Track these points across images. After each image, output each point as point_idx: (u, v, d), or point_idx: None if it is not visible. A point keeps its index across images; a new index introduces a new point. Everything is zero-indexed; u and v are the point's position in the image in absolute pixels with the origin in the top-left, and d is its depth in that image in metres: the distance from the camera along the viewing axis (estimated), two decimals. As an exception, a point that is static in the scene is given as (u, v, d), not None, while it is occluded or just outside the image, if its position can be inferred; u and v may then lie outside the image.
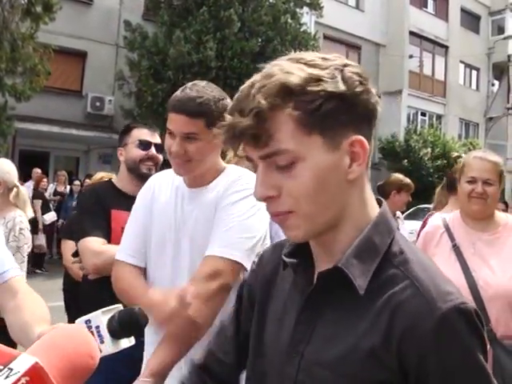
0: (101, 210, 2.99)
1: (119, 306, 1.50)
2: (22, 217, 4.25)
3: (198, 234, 2.11)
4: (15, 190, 4.30)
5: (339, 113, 1.06)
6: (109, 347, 1.41)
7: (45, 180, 14.10)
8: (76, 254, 4.72)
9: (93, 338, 1.26)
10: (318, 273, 1.17)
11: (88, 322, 1.42)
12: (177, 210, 2.19)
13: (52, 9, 14.62)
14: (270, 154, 1.07)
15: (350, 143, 1.08)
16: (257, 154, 1.09)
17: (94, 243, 2.87)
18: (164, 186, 2.31)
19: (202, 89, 2.11)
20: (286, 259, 1.24)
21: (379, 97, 1.15)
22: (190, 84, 2.16)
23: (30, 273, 12.01)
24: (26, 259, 4.24)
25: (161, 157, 3.16)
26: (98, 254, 2.80)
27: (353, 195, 1.13)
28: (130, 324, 1.45)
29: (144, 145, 3.12)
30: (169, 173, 2.34)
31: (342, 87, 1.05)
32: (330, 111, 1.04)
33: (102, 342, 1.40)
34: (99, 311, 1.44)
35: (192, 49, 16.90)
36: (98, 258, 2.80)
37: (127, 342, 1.47)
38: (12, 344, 1.91)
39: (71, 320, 4.19)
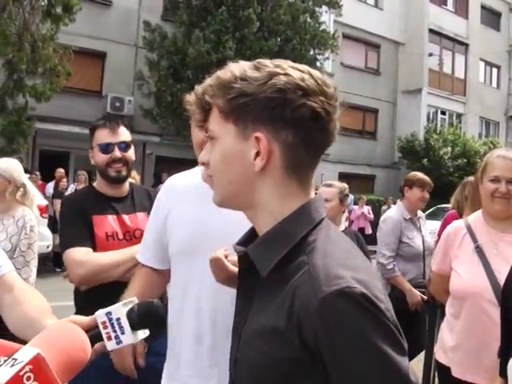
0: (81, 219, 2.90)
1: (135, 299, 1.54)
2: (30, 215, 4.34)
3: (231, 237, 2.02)
4: (22, 189, 4.39)
5: (249, 109, 1.22)
6: (129, 338, 1.46)
7: (64, 180, 14.18)
8: None
9: (85, 334, 1.33)
10: (238, 256, 1.35)
11: (109, 314, 1.46)
12: (204, 214, 2.09)
13: (72, 10, 14.75)
14: (206, 129, 1.34)
15: (255, 138, 1.23)
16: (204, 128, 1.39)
17: (77, 254, 2.80)
18: (186, 189, 2.24)
19: None
20: (236, 247, 1.37)
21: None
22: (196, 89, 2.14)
23: (51, 271, 12.14)
24: (36, 256, 4.32)
25: (130, 153, 3.03)
26: (82, 264, 2.75)
27: (262, 185, 1.27)
28: (149, 316, 1.50)
29: (105, 148, 2.97)
30: (189, 175, 2.31)
31: (254, 89, 1.21)
32: (241, 105, 1.22)
33: (122, 332, 1.45)
34: (120, 303, 1.48)
35: (211, 48, 16.96)
36: (82, 268, 2.75)
37: (143, 334, 1.51)
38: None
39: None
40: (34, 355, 1.10)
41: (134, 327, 1.47)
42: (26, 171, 13.97)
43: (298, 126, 1.22)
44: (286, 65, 1.26)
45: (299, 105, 1.21)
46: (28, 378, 1.07)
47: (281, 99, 1.21)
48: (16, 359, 1.09)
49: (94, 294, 2.70)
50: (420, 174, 5.31)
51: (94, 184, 3.17)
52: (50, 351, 1.15)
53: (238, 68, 1.26)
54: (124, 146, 3.00)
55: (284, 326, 1.15)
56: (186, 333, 2.12)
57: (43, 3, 14.62)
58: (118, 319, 1.45)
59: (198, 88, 1.34)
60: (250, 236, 1.37)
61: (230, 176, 1.28)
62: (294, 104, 1.21)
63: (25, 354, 1.10)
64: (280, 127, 1.22)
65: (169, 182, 2.37)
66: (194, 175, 2.24)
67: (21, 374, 1.06)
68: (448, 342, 3.04)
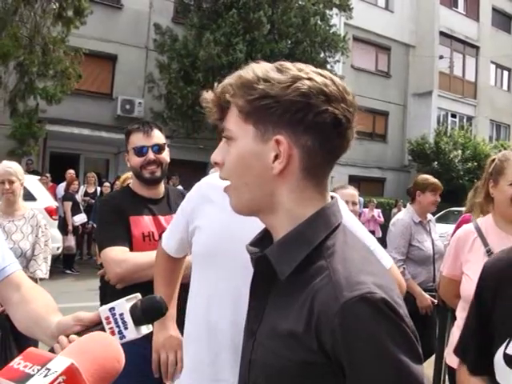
0: (119, 219, 2.97)
1: (138, 295, 1.55)
2: (39, 213, 4.47)
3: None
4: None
5: (271, 111, 1.22)
6: (132, 333, 1.47)
7: (76, 182, 14.22)
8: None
9: (118, 343, 1.31)
10: (254, 258, 1.32)
11: (112, 309, 1.47)
12: (228, 220, 2.02)
13: (83, 13, 14.82)
14: (223, 129, 1.31)
15: (275, 141, 1.23)
16: (220, 128, 1.35)
17: (115, 252, 2.86)
18: (215, 191, 2.14)
19: None
20: (249, 247, 1.36)
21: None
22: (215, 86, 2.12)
23: (60, 273, 12.19)
24: (50, 252, 4.47)
25: (164, 155, 3.11)
26: (120, 263, 2.80)
27: (280, 188, 1.26)
28: (152, 311, 1.51)
29: (139, 151, 3.06)
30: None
31: (279, 91, 1.21)
32: (263, 107, 1.22)
33: (125, 328, 1.46)
34: (123, 299, 1.49)
35: (222, 51, 16.99)
36: (120, 266, 2.80)
37: (146, 329, 1.52)
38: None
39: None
40: (68, 365, 1.09)
41: (138, 322, 1.48)
42: (37, 173, 14.06)
43: (319, 132, 1.23)
44: (308, 69, 1.26)
45: (322, 110, 1.21)
46: None
47: (304, 103, 1.21)
48: (49, 369, 1.08)
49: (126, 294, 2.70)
50: (432, 178, 5.28)
51: (131, 185, 3.24)
52: (84, 361, 1.13)
53: (260, 69, 1.25)
54: (157, 149, 3.08)
55: (303, 329, 1.15)
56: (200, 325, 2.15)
57: (54, 6, 14.70)
58: (121, 315, 1.47)
59: (217, 86, 1.31)
60: (263, 237, 1.38)
61: (247, 178, 1.28)
62: (317, 109, 1.21)
63: (58, 364, 1.09)
64: (301, 131, 1.22)
65: (202, 181, 2.35)
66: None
67: None
68: None
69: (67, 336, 1.46)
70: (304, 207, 1.27)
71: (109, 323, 1.46)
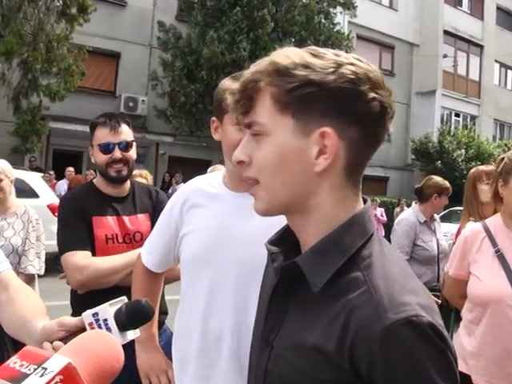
0: (81, 220, 2.80)
1: (124, 299, 1.49)
2: (32, 209, 4.40)
3: (250, 251, 1.87)
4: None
5: (315, 100, 1.08)
6: (116, 339, 1.38)
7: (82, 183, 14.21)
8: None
9: (117, 342, 1.27)
10: (281, 266, 1.19)
11: (95, 315, 1.41)
12: (224, 223, 2.01)
13: (86, 10, 14.83)
14: (250, 124, 1.16)
15: (320, 133, 1.09)
16: (244, 122, 1.19)
17: (77, 258, 2.72)
18: (203, 195, 2.12)
19: None
20: (269, 246, 1.27)
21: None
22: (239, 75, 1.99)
23: (58, 271, 12.16)
24: (44, 247, 4.37)
25: (131, 153, 2.93)
26: (82, 270, 2.67)
27: (320, 188, 1.14)
28: (137, 316, 1.45)
29: (105, 148, 2.88)
30: (209, 179, 2.20)
31: (324, 77, 1.08)
32: (306, 96, 1.08)
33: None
34: (107, 304, 1.43)
35: (225, 49, 16.99)
36: (81, 273, 2.67)
37: (132, 334, 1.47)
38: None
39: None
40: (65, 365, 1.06)
41: (123, 328, 1.43)
42: (40, 170, 14.03)
43: (367, 122, 1.11)
44: (344, 54, 1.15)
45: (371, 98, 1.10)
46: None
47: (353, 90, 1.09)
48: (46, 368, 1.05)
49: (92, 297, 2.57)
50: (446, 182, 5.29)
51: (94, 181, 3.05)
52: (81, 360, 1.10)
53: (294, 54, 1.12)
54: (125, 146, 2.90)
55: (334, 346, 1.05)
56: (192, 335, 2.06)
57: (58, 4, 14.73)
58: (105, 320, 1.41)
59: (244, 75, 1.17)
60: (284, 235, 1.28)
61: (285, 177, 1.13)
62: (366, 97, 1.10)
63: (55, 363, 1.07)
64: (349, 122, 1.10)
65: (188, 185, 2.24)
66: (213, 180, 2.14)
67: None
68: (468, 349, 2.94)
69: (51, 342, 1.41)
70: (340, 209, 1.16)
71: (92, 329, 1.40)
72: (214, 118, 2.08)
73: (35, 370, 1.06)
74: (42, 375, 1.04)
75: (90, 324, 1.41)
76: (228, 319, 1.95)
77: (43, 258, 4.33)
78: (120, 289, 2.34)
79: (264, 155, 1.14)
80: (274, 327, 1.21)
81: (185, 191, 2.19)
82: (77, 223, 2.80)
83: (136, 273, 2.36)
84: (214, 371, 1.98)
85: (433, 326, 1.01)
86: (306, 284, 1.14)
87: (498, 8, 31.90)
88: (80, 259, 2.71)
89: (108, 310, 1.42)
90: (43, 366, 1.06)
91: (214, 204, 2.06)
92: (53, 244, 5.25)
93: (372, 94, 1.10)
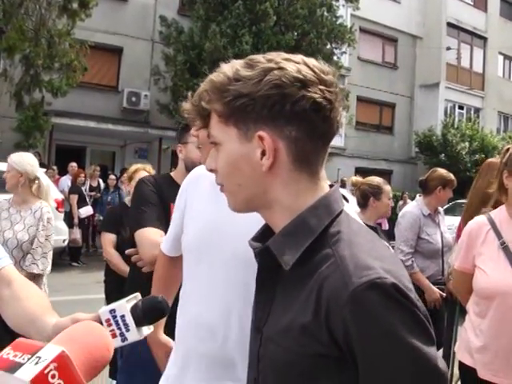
0: (160, 202, 2.95)
1: (138, 295, 1.53)
2: (48, 207, 4.44)
3: (240, 241, 1.85)
4: (37, 182, 4.46)
5: (248, 110, 1.20)
6: (134, 335, 1.45)
7: (82, 175, 14.23)
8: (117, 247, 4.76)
9: (107, 331, 1.34)
10: (256, 251, 1.30)
11: (113, 311, 1.45)
12: (217, 214, 2.01)
13: (88, 5, 14.81)
14: (209, 136, 1.31)
15: (258, 137, 1.21)
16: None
17: (153, 234, 2.80)
18: (206, 185, 2.14)
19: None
20: (252, 243, 1.35)
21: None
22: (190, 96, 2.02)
23: (67, 265, 12.24)
24: (52, 248, 4.41)
25: None
26: (158, 246, 2.57)
27: (273, 184, 1.24)
28: (153, 312, 1.49)
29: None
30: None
31: (250, 89, 1.19)
32: (240, 107, 1.20)
33: (127, 330, 1.44)
34: (123, 300, 1.47)
35: (228, 43, 16.95)
36: (157, 249, 2.57)
37: (147, 330, 1.51)
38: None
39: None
40: (59, 353, 1.10)
41: (139, 323, 1.46)
42: (43, 166, 14.11)
43: (301, 120, 1.20)
44: (279, 58, 1.23)
45: (299, 98, 1.18)
46: (53, 376, 1.08)
47: (279, 95, 1.18)
48: (40, 357, 1.09)
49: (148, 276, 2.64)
50: (450, 174, 5.26)
51: (172, 175, 3.23)
52: (74, 349, 1.15)
53: (230, 69, 1.24)
54: None
55: (311, 320, 1.12)
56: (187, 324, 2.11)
57: (60, -1, 14.70)
58: (122, 316, 1.44)
59: (194, 95, 1.31)
60: (265, 232, 1.35)
61: (240, 180, 1.26)
62: (293, 98, 1.18)
63: (49, 352, 1.11)
64: (282, 123, 1.20)
65: (193, 173, 2.32)
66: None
67: (45, 371, 1.07)
68: (474, 343, 2.92)
69: None
70: (301, 198, 1.25)
71: (109, 325, 1.43)
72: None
73: (29, 359, 1.09)
74: (36, 363, 1.08)
75: (107, 321, 1.44)
76: (219, 311, 1.97)
77: (50, 259, 4.35)
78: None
79: (220, 163, 1.29)
80: (263, 315, 1.29)
81: (191, 178, 2.29)
82: (156, 203, 2.95)
83: (157, 260, 2.47)
84: (206, 360, 2.00)
85: (396, 287, 1.07)
86: (280, 267, 1.23)
87: (502, 0, 31.76)
88: (157, 236, 2.78)
89: (125, 306, 1.46)
90: (37, 355, 1.10)
91: (213, 196, 2.03)
92: (57, 239, 5.25)
93: (300, 94, 1.18)
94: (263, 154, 1.21)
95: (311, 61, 1.24)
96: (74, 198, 13.27)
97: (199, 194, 2.17)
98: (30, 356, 1.10)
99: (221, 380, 1.96)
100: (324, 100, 1.20)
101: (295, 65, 1.21)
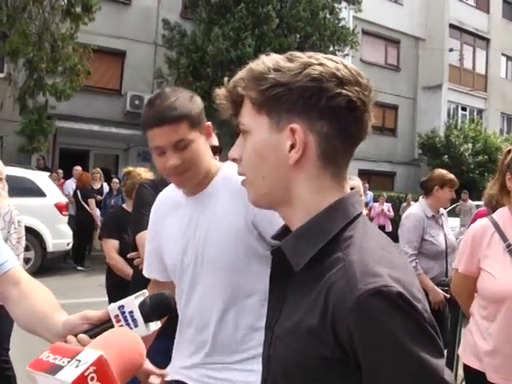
0: None
1: (145, 292, 1.57)
2: (16, 210, 4.38)
3: (211, 247, 2.08)
4: (1, 184, 4.39)
5: (284, 99, 1.20)
6: (142, 331, 1.48)
7: (92, 178, 14.24)
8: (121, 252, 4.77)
9: (139, 338, 1.36)
10: (270, 250, 1.32)
11: (121, 307, 1.48)
12: (186, 228, 2.16)
13: (91, 9, 14.86)
14: (239, 124, 1.29)
15: (290, 129, 1.21)
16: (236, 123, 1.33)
17: None
18: (172, 204, 2.26)
19: (169, 94, 2.08)
20: (271, 240, 1.36)
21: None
22: (153, 97, 2.11)
23: (71, 269, 12.25)
24: (23, 249, 4.42)
25: None
26: None
27: (297, 179, 1.24)
28: (161, 308, 1.53)
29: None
30: (168, 191, 2.33)
31: (290, 78, 1.19)
32: (275, 96, 1.20)
33: (135, 325, 1.48)
34: (132, 297, 1.50)
35: (230, 46, 16.96)
36: None
37: (154, 326, 1.54)
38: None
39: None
40: (98, 357, 1.16)
41: (147, 319, 1.50)
42: (47, 169, 14.09)
43: (334, 116, 1.20)
44: (319, 55, 1.24)
45: (335, 94, 1.19)
46: (92, 379, 1.13)
47: (316, 88, 1.19)
48: (80, 360, 1.15)
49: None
50: (450, 174, 5.24)
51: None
52: (110, 354, 1.20)
53: (270, 60, 1.24)
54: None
55: (318, 323, 1.12)
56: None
57: (63, 3, 14.76)
58: (130, 312, 1.48)
59: (229, 81, 1.31)
60: (284, 231, 1.34)
61: (264, 171, 1.25)
62: (329, 93, 1.19)
63: (88, 355, 1.17)
64: (315, 117, 1.20)
65: (161, 195, 2.38)
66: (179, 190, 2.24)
67: (86, 374, 1.13)
68: (482, 347, 2.89)
69: (75, 335, 1.46)
70: (321, 197, 1.24)
71: (118, 321, 1.47)
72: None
73: (69, 362, 1.16)
74: (76, 366, 1.14)
75: (116, 316, 1.48)
76: (210, 312, 2.09)
77: (21, 261, 4.30)
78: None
79: (247, 152, 1.27)
80: (275, 314, 1.30)
81: (159, 201, 2.36)
82: None
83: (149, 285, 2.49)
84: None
85: (402, 295, 1.06)
86: (291, 268, 1.23)
87: (504, 1, 31.68)
88: None
89: (133, 302, 1.50)
90: (76, 358, 1.17)
91: (178, 214, 2.20)
92: (61, 242, 5.28)
93: (337, 90, 1.19)
94: (292, 147, 1.21)
95: (349, 64, 1.25)
96: (92, 201, 13.18)
97: (168, 215, 2.25)
98: (69, 359, 1.16)
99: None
100: (359, 100, 1.21)
101: (334, 63, 1.22)
